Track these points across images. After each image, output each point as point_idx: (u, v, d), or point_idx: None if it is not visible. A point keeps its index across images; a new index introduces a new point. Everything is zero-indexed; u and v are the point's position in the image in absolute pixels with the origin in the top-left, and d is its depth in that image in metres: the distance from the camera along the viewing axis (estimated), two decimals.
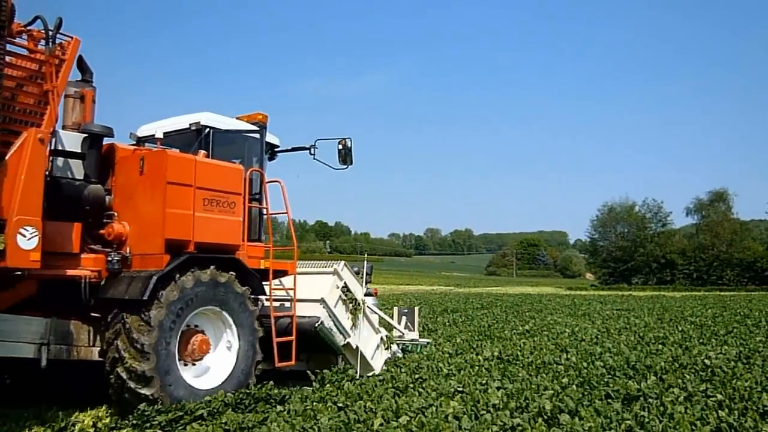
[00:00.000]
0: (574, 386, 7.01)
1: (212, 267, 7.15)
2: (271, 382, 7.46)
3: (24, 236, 5.92)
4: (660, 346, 10.79)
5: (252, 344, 7.57)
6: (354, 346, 9.26)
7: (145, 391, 6.42)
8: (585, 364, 8.56)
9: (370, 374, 8.96)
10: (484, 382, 7.41)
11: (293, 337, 8.20)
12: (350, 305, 9.39)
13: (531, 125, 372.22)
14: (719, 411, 5.77)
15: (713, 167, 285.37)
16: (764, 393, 6.44)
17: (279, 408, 6.56)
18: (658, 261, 75.12)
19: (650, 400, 6.27)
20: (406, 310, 11.99)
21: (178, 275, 6.80)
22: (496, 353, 9.89)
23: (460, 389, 7.01)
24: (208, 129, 8.16)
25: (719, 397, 6.32)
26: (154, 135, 8.12)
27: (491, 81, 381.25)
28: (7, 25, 5.79)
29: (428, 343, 11.76)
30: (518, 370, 8.39)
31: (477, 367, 8.70)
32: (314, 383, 8.04)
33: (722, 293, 50.49)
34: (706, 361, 8.64)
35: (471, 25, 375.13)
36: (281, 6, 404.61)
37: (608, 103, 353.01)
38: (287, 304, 8.53)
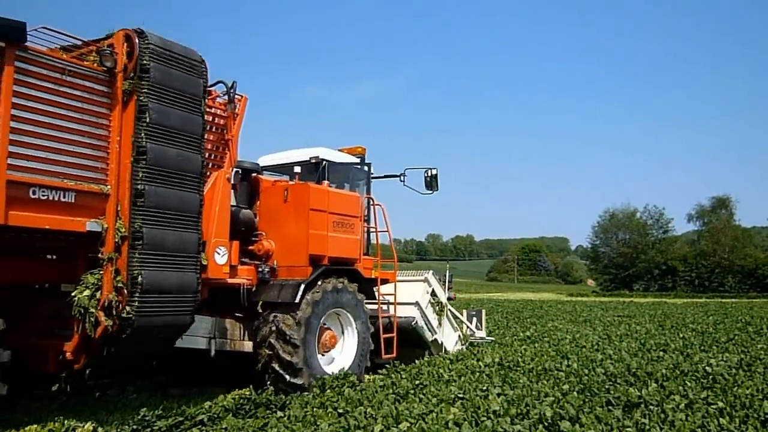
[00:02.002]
0: (574, 393, 6.99)
1: (340, 276, 8.87)
2: (272, 388, 7.46)
3: (219, 254, 7.70)
4: (661, 353, 10.76)
5: (366, 339, 9.24)
6: (439, 342, 11.38)
7: (296, 381, 7.91)
8: (586, 371, 8.53)
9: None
10: (484, 388, 7.38)
11: (394, 334, 10.02)
12: (436, 307, 11.44)
13: (532, 131, 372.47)
14: (720, 418, 5.76)
15: (715, 174, 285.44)
16: (765, 401, 6.42)
17: (279, 413, 6.55)
18: (659, 267, 74.88)
19: (651, 407, 6.25)
20: (474, 312, 13.72)
21: (317, 283, 8.44)
22: (496, 359, 9.86)
23: (461, 395, 6.98)
24: (324, 162, 9.74)
25: (720, 404, 6.30)
26: (275, 164, 10.11)
27: (492, 87, 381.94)
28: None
29: (492, 340, 13.66)
30: (519, 377, 8.36)
31: (478, 374, 8.68)
32: (315, 389, 8.04)
33: (724, 300, 50.29)
34: (707, 368, 8.62)
35: (471, 31, 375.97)
36: (281, 10, 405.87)
37: (610, 109, 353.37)
38: (383, 306, 10.14)
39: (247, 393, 7.45)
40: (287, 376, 7.87)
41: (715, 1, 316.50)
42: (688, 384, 7.54)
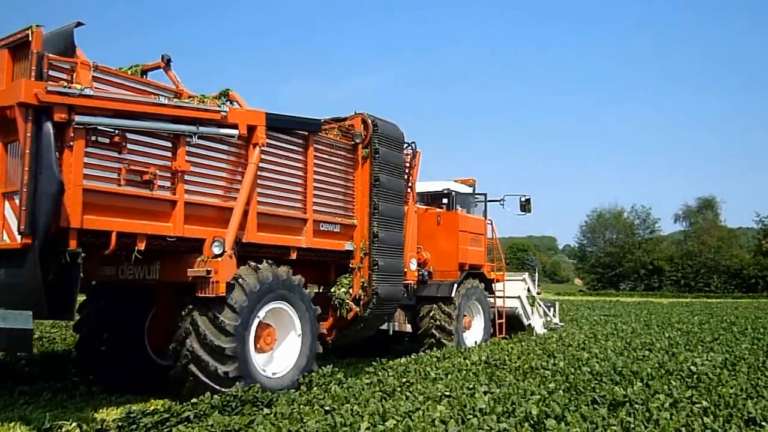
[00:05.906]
0: (560, 391, 7.02)
1: (474, 278, 12.95)
2: (258, 385, 7.43)
3: (413, 263, 11.26)
4: (647, 352, 10.83)
5: (488, 322, 13.26)
6: (532, 326, 15.27)
7: (450, 343, 11.71)
8: (572, 370, 8.58)
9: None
10: (471, 386, 7.40)
11: (504, 320, 14.07)
12: (530, 300, 15.42)
13: (520, 130, 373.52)
14: (704, 417, 5.81)
15: (701, 175, 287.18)
16: (749, 400, 6.48)
17: (266, 411, 6.51)
18: (645, 267, 75.16)
19: (636, 406, 6.29)
20: (549, 304, 17.26)
21: (462, 283, 12.38)
22: (483, 358, 9.88)
23: (447, 393, 7.00)
24: (454, 193, 13.47)
25: (704, 403, 6.36)
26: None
27: (480, 87, 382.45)
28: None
29: (563, 325, 17.40)
30: (505, 375, 8.39)
31: (464, 372, 8.69)
32: (302, 386, 8.02)
33: (709, 300, 50.74)
34: (692, 367, 8.68)
35: (461, 31, 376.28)
36: (270, 10, 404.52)
37: (597, 109, 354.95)
38: (491, 299, 13.78)
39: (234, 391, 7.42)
40: (444, 340, 11.69)
41: (703, 2, 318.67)
42: (673, 383, 7.60)
